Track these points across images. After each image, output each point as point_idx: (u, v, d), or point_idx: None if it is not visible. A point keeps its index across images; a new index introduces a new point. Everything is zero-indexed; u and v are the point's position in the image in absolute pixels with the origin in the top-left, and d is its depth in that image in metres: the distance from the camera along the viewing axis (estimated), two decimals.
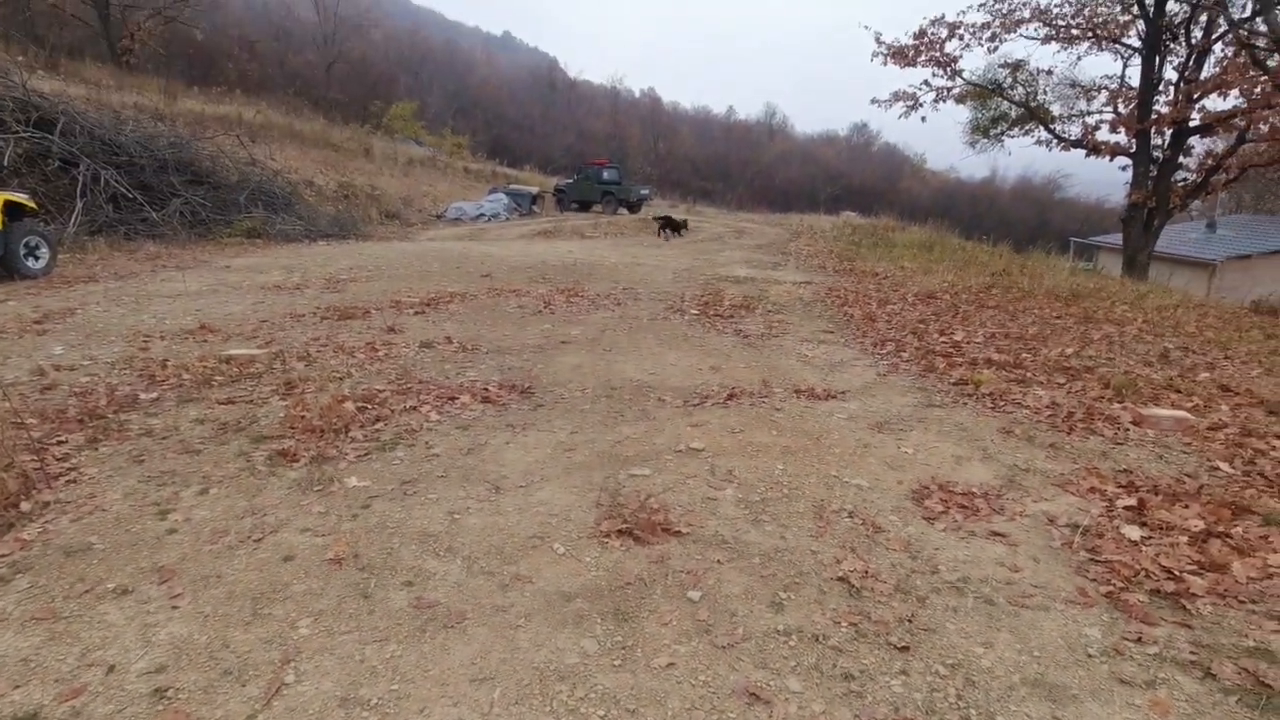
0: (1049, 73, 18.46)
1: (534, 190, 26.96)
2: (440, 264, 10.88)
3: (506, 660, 2.12)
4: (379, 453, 3.64)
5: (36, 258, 8.44)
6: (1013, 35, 17.46)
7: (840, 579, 2.58)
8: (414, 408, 4.32)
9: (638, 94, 76.25)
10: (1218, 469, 3.69)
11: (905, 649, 2.20)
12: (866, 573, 2.62)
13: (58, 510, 2.97)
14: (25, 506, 2.96)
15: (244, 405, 4.31)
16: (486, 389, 4.71)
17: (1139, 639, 2.27)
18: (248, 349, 5.54)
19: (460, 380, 4.92)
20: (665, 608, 2.39)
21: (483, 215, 22.12)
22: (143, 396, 4.39)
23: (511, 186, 27.53)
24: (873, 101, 19.53)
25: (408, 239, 16.04)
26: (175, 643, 2.17)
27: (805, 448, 3.85)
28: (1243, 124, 15.66)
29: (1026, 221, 47.60)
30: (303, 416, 4.00)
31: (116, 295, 7.59)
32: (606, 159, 31.89)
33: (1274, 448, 3.95)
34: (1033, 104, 18.69)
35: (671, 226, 17.05)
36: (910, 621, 2.34)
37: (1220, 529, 2.97)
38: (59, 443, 3.63)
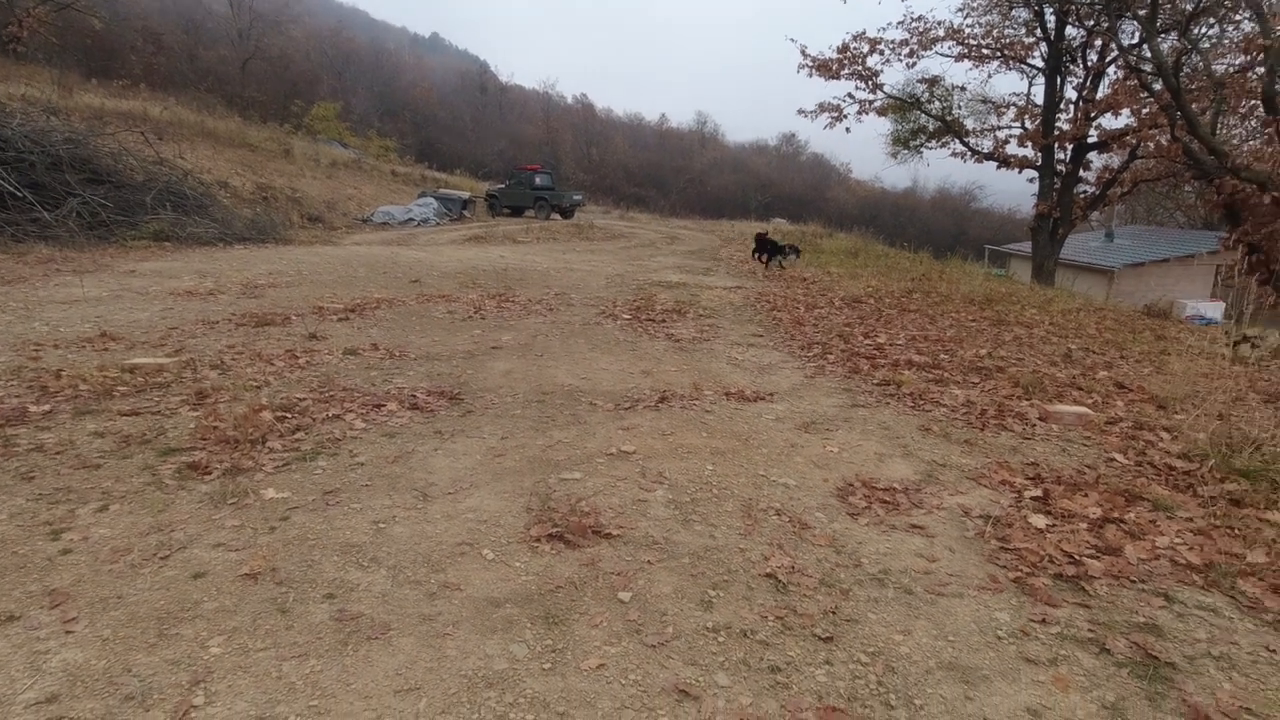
0: (963, 89, 19.58)
1: (465, 195, 26.54)
2: (367, 269, 10.55)
3: (433, 670, 2.07)
4: (299, 463, 3.50)
5: None
6: (929, 53, 18.43)
7: (768, 575, 2.63)
8: (337, 416, 4.17)
9: (570, 100, 75.78)
10: (1114, 460, 3.96)
11: (829, 640, 2.26)
12: (793, 569, 2.68)
13: None
14: None
15: (150, 417, 4.06)
16: (414, 396, 4.59)
17: (1043, 620, 2.41)
18: (154, 358, 5.22)
19: (387, 388, 4.78)
20: (596, 610, 2.38)
21: (412, 220, 21.62)
22: (33, 409, 4.08)
23: (442, 191, 27.01)
24: (799, 112, 20.25)
25: (332, 243, 15.49)
26: (69, 670, 2.02)
27: (735, 449, 3.91)
28: (1134, 141, 16.96)
29: (946, 230, 49.89)
30: (215, 427, 3.80)
31: (2, 302, 7.03)
32: (539, 164, 31.74)
33: (1162, 439, 4.27)
34: (948, 118, 19.71)
35: (775, 251, 12.91)
36: (834, 614, 2.41)
37: (1115, 515, 3.18)
38: None
